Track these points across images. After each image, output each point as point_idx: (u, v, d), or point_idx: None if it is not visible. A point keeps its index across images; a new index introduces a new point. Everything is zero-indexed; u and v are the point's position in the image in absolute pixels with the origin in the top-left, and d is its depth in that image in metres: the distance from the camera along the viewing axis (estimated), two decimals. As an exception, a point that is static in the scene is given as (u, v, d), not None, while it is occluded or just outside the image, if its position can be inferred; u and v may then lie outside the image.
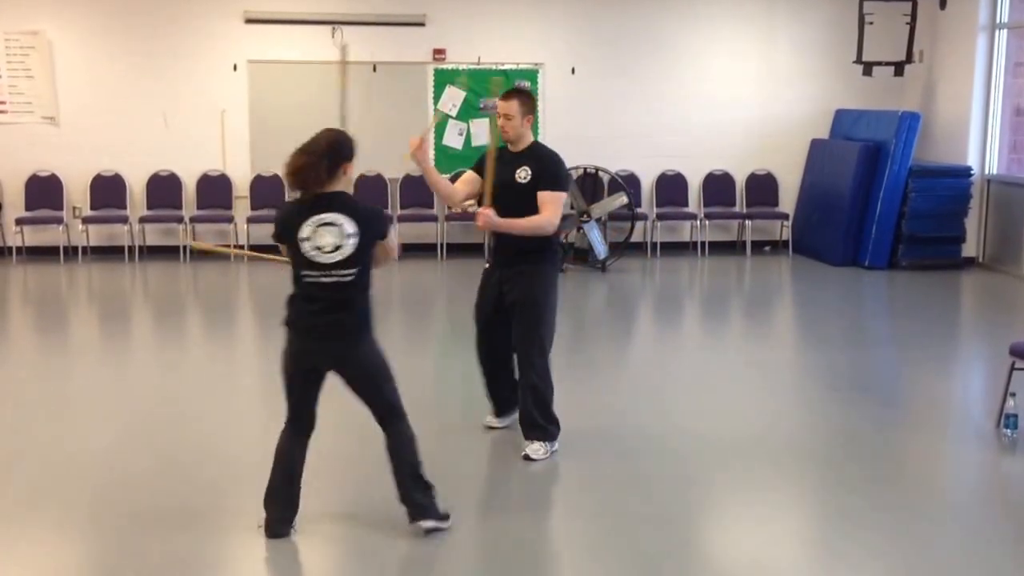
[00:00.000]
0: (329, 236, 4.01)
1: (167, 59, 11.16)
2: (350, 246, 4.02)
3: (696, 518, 4.65)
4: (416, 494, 4.25)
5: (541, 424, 5.20)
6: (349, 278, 4.04)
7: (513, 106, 5.08)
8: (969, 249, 11.17)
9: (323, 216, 4.01)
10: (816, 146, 11.96)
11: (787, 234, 11.95)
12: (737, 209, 11.98)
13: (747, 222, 11.86)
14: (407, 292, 10.27)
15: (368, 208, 4.15)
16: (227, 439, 5.67)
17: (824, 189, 11.56)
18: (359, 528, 4.44)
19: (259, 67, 11.23)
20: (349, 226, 4.02)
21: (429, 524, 4.26)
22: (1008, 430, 5.62)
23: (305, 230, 4.01)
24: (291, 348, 4.18)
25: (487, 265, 5.40)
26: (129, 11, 11.07)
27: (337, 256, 4.01)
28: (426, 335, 8.60)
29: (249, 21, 11.14)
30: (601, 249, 10.81)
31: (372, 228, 4.09)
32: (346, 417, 4.76)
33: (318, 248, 4.01)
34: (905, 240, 10.88)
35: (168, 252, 11.21)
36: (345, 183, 4.14)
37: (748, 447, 5.51)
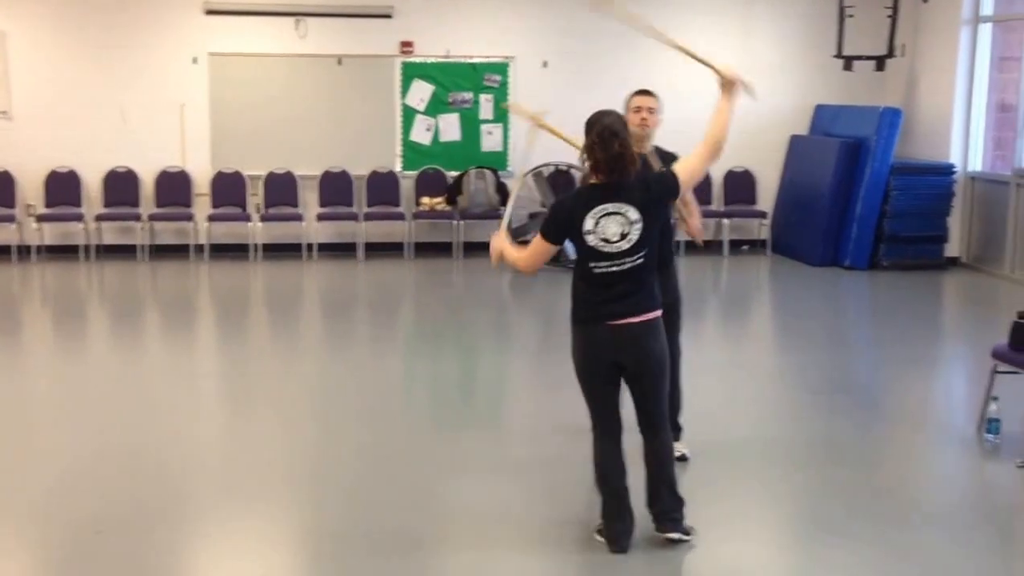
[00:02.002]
0: (613, 225, 3.89)
1: (124, 52, 10.77)
2: (636, 232, 3.89)
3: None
4: (672, 505, 4.12)
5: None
6: (640, 261, 3.94)
7: (656, 100, 4.94)
8: (952, 249, 10.89)
9: (605, 207, 3.89)
10: (795, 142, 11.67)
11: (765, 233, 11.65)
12: (714, 207, 11.65)
13: (724, 220, 11.54)
14: (374, 292, 9.96)
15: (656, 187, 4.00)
16: (188, 441, 5.45)
17: (803, 187, 11.27)
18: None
19: (220, 60, 10.85)
20: (633, 213, 3.89)
21: (676, 535, 4.11)
22: (990, 435, 5.41)
23: (588, 223, 3.88)
24: (591, 345, 3.99)
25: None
26: (85, 2, 10.68)
27: (624, 244, 3.89)
28: (393, 335, 8.29)
29: (209, 12, 10.77)
30: (572, 249, 10.49)
31: (657, 212, 3.97)
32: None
33: (604, 240, 3.89)
34: (886, 239, 10.60)
35: (125, 251, 10.83)
36: None
37: (724, 450, 5.28)
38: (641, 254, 3.91)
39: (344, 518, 4.43)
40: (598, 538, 4.12)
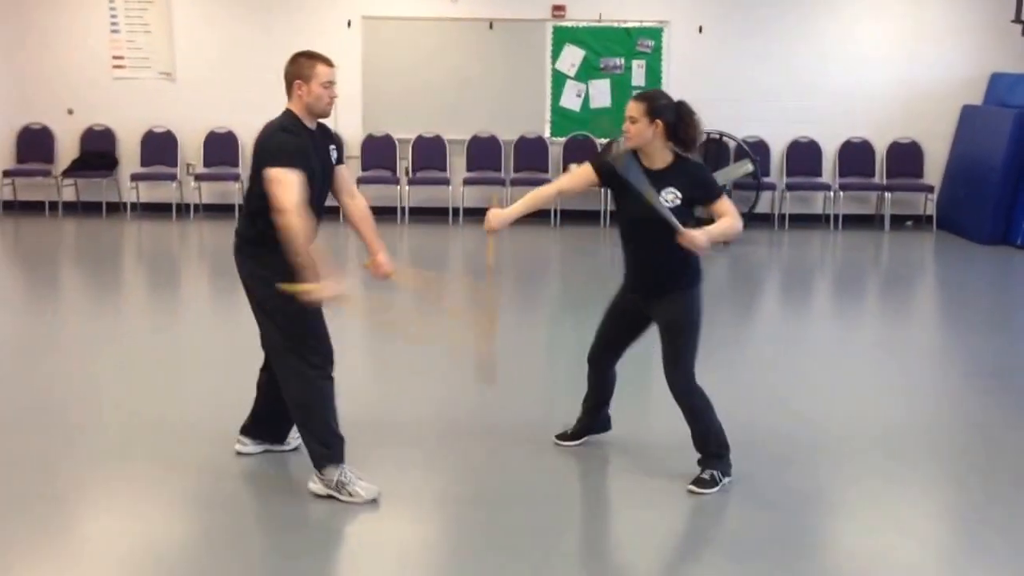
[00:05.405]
0: None
1: (282, 14, 10.97)
2: None
3: (817, 507, 4.20)
4: None
5: None
6: None
7: None
8: None
9: None
10: (968, 113, 11.00)
11: (932, 208, 11.05)
12: (876, 180, 11.15)
13: (887, 194, 11.01)
14: (522, 260, 9.88)
15: None
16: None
17: (975, 160, 10.63)
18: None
19: (373, 23, 10.93)
20: None
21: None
22: None
23: None
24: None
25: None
26: (246, -34, 10.94)
27: None
28: (539, 303, 8.21)
29: (365, -25, 10.87)
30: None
31: None
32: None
33: None
34: (1064, 218, 9.93)
35: (278, 212, 11.06)
36: None
37: (875, 435, 5.00)
38: None
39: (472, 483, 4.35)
40: (715, 479, 4.23)
